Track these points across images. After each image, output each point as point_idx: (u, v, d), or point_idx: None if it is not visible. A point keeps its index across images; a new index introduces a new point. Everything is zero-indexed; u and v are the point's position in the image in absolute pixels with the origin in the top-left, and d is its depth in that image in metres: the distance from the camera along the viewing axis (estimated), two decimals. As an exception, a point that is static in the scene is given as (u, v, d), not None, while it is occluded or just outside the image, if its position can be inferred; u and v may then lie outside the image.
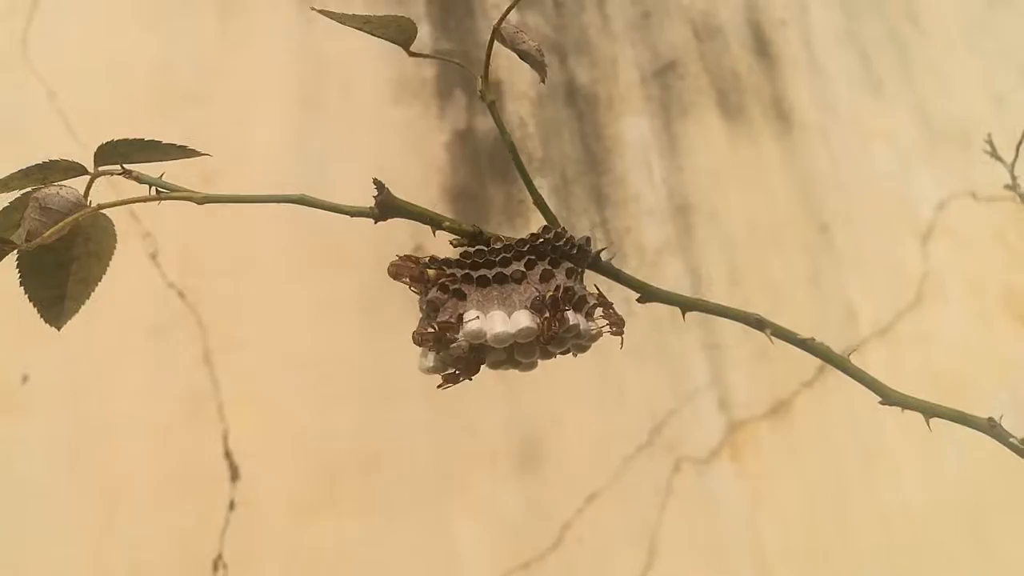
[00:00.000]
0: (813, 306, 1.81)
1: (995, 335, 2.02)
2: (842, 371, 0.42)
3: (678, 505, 1.53)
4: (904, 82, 2.20)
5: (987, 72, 2.33)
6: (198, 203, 0.39)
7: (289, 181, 1.49)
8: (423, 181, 1.58)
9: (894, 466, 1.74)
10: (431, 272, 0.38)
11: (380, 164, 1.56)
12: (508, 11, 0.41)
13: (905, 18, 2.28)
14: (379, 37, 0.42)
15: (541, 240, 0.38)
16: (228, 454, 1.29)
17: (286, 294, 1.43)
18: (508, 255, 0.38)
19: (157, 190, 0.40)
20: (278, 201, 0.40)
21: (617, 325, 0.37)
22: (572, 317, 0.37)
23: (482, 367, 0.41)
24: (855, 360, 0.51)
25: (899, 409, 1.84)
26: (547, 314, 0.36)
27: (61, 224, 0.35)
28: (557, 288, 0.38)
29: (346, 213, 0.40)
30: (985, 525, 1.70)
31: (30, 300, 0.45)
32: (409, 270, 0.39)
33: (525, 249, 0.38)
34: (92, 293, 0.46)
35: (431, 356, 0.39)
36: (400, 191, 1.57)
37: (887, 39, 2.23)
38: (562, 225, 0.39)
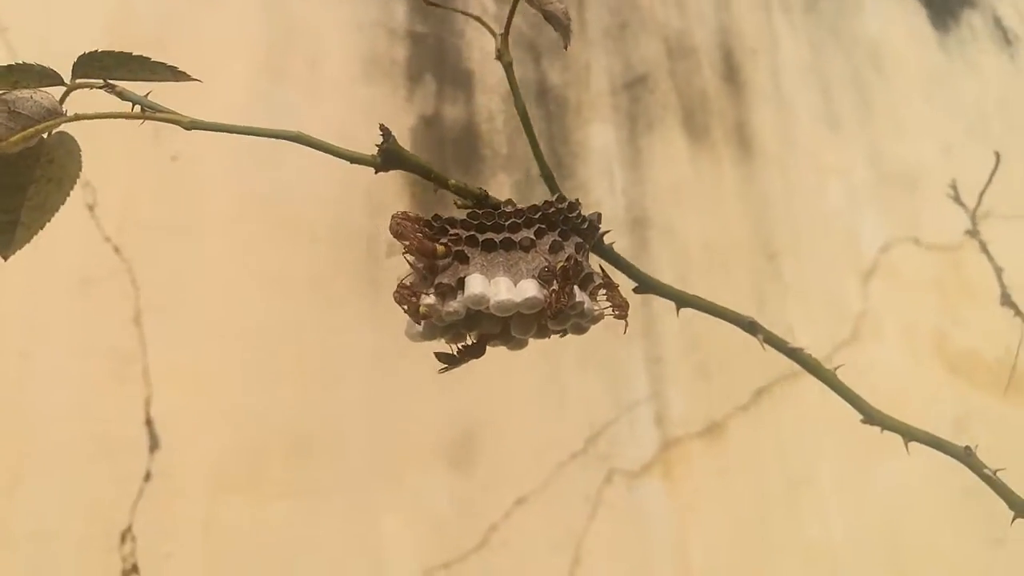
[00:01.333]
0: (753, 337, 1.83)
1: (924, 379, 2.08)
2: (828, 385, 0.41)
3: (606, 516, 1.52)
4: (861, 124, 2.25)
5: (939, 123, 2.41)
6: (185, 127, 0.36)
7: (245, 146, 1.43)
8: (383, 163, 1.54)
9: (819, 496, 1.77)
10: (431, 232, 0.36)
11: (343, 136, 1.50)
12: None
13: (869, 62, 2.34)
14: None
15: (553, 209, 0.36)
16: (149, 422, 1.22)
17: (230, 262, 1.37)
18: (518, 220, 0.35)
19: (143, 109, 0.36)
20: (274, 136, 0.37)
21: (621, 308, 0.35)
22: (578, 294, 0.35)
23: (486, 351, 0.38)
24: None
25: (826, 442, 1.88)
26: (555, 286, 0.34)
27: (31, 130, 0.32)
28: (568, 259, 0.35)
29: (345, 158, 0.37)
30: (905, 559, 1.75)
31: (-36, 223, 0.41)
32: (411, 228, 0.36)
33: (536, 216, 0.36)
34: (47, 223, 0.42)
35: (421, 322, 0.36)
36: (361, 169, 1.52)
37: (850, 80, 2.28)
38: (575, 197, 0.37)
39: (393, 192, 1.53)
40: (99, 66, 0.37)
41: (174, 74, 0.38)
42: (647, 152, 1.84)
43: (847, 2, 2.36)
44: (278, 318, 1.38)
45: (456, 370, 1.48)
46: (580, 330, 0.37)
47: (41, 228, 0.42)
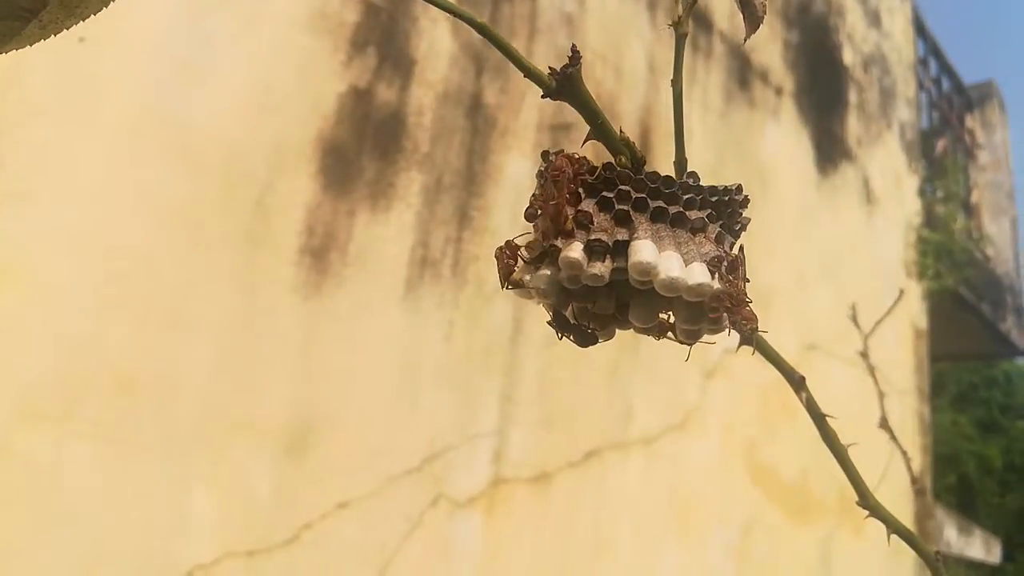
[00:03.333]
0: (602, 395, 1.88)
1: (728, 480, 2.22)
2: (837, 459, 0.41)
3: (421, 539, 1.48)
4: (737, 233, 2.40)
5: (799, 253, 2.62)
6: None
7: (167, 55, 1.30)
8: (303, 119, 1.45)
9: (618, 564, 1.82)
10: (594, 181, 0.31)
11: (268, 80, 1.41)
12: None
13: (758, 179, 2.51)
14: None
15: (729, 198, 0.33)
16: (-36, 316, 1.05)
17: (108, 169, 1.23)
18: (696, 198, 0.32)
19: None
20: (458, 15, 0.32)
21: (752, 323, 0.32)
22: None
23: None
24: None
25: (637, 515, 1.94)
26: (733, 278, 0.31)
27: None
28: (742, 249, 0.32)
29: (523, 70, 0.32)
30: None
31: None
32: (568, 174, 0.32)
33: (713, 200, 0.32)
34: (22, 47, 0.34)
35: (543, 276, 0.31)
36: (277, 117, 1.43)
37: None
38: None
39: (298, 148, 1.44)
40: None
41: None
42: (553, 196, 1.86)
43: (755, 120, 2.53)
44: (139, 245, 1.24)
45: (314, 353, 1.39)
46: (695, 337, 0.33)
47: (56, 33, 0.34)
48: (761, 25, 0.36)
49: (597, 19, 2.05)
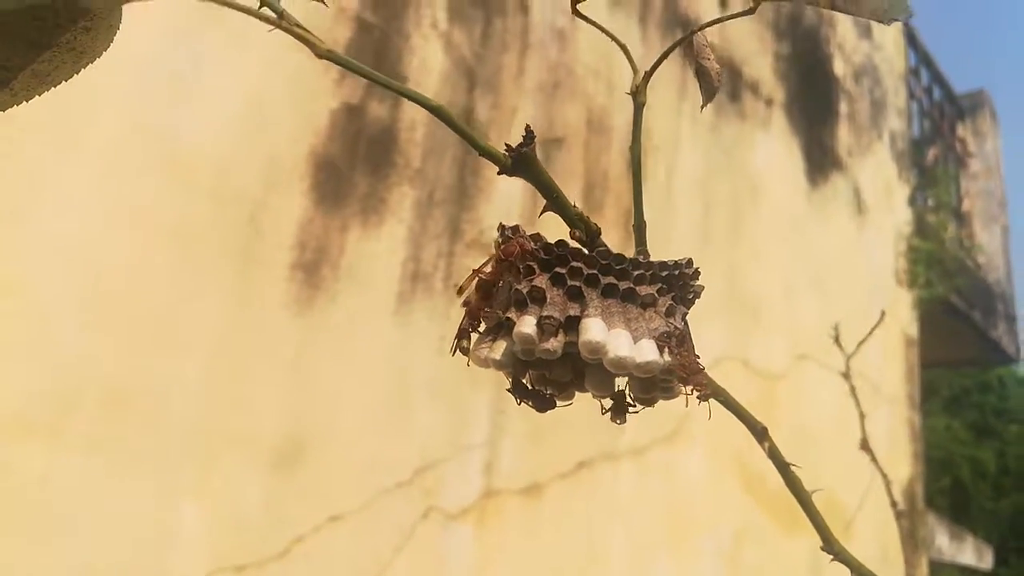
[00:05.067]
0: (592, 406, 1.89)
1: (718, 489, 2.23)
2: (801, 505, 0.42)
3: (414, 551, 1.49)
4: (728, 242, 2.42)
5: (788, 264, 2.64)
6: (318, 54, 0.32)
7: (159, 71, 1.31)
8: (294, 135, 1.47)
9: (612, 575, 1.83)
10: (548, 258, 0.33)
11: (260, 96, 1.43)
12: (712, 23, 0.38)
13: (748, 190, 2.53)
14: None
15: (679, 272, 0.34)
16: (-42, 335, 1.06)
17: (97, 185, 1.24)
18: (646, 273, 0.33)
19: (280, 17, 0.32)
20: (417, 101, 0.34)
21: (704, 389, 0.34)
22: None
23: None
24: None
25: (629, 527, 1.94)
26: (681, 353, 0.32)
27: None
28: (685, 326, 0.34)
29: (476, 148, 0.33)
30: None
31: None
32: (520, 244, 0.33)
33: (663, 275, 0.34)
34: (35, 97, 0.36)
35: (500, 348, 0.33)
36: (269, 134, 1.44)
37: (729, 200, 2.45)
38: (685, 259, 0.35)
39: (291, 165, 1.46)
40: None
41: None
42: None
43: (745, 132, 2.55)
44: (130, 261, 1.26)
45: (305, 367, 1.41)
46: (651, 404, 0.35)
47: (28, 100, 0.36)
48: (716, 94, 0.38)
49: (589, 34, 2.07)
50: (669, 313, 0.34)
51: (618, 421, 0.36)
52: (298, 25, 0.31)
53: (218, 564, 1.26)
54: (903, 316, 3.23)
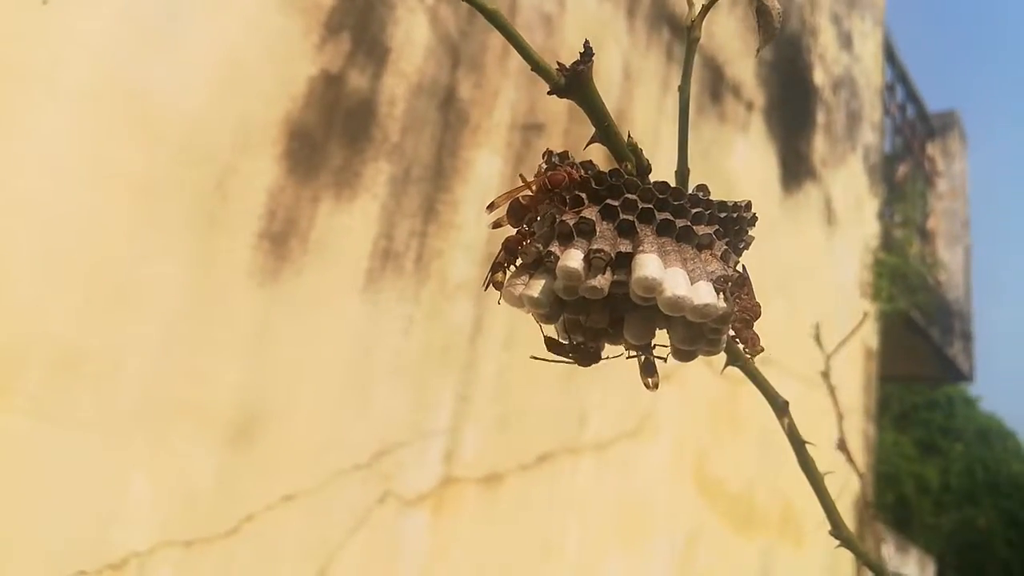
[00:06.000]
0: (557, 398, 1.87)
1: (675, 489, 2.23)
2: (813, 487, 0.40)
3: (367, 536, 1.45)
4: (700, 245, 2.41)
5: (755, 270, 2.64)
6: None
7: (132, 22, 1.25)
8: (271, 100, 1.41)
9: (564, 568, 1.81)
10: (600, 189, 0.30)
11: (236, 56, 1.37)
12: None
13: (724, 190, 2.52)
14: None
15: (736, 215, 0.31)
16: None
17: (66, 137, 1.18)
18: (704, 212, 0.30)
19: None
20: (471, 2, 0.30)
21: (754, 345, 0.31)
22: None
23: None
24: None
25: (585, 520, 1.92)
26: (739, 298, 0.29)
27: None
28: (744, 271, 0.31)
29: (531, 62, 0.30)
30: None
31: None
32: (564, 173, 0.30)
33: (722, 216, 0.31)
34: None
35: (538, 285, 0.29)
36: (243, 96, 1.39)
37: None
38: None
39: (263, 129, 1.41)
40: None
41: None
42: (521, 196, 1.85)
43: (724, 134, 2.54)
44: (89, 216, 1.20)
45: (269, 340, 1.36)
46: (690, 357, 0.32)
47: None
48: (777, 34, 0.35)
49: (576, 20, 2.04)
50: (725, 258, 0.31)
51: (651, 382, 0.33)
52: None
53: (165, 538, 1.21)
54: (865, 328, 3.26)
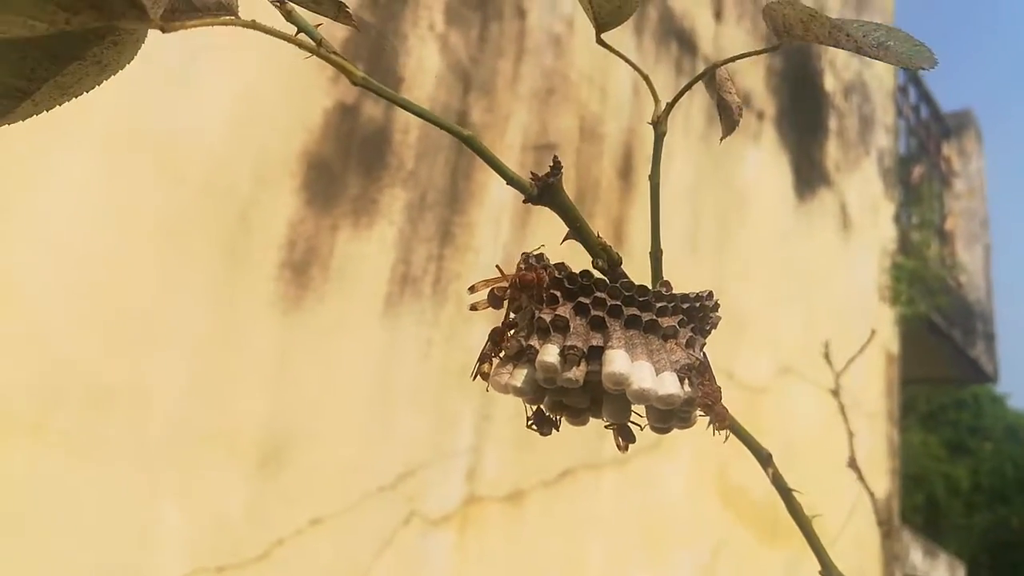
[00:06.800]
0: (577, 415, 1.89)
1: (698, 502, 2.24)
2: (804, 533, 0.42)
3: (393, 558, 1.48)
4: (715, 253, 2.43)
5: (773, 277, 2.65)
6: (354, 82, 0.31)
7: (152, 61, 1.29)
8: (287, 132, 1.45)
9: (589, 587, 1.83)
10: (572, 288, 0.33)
11: (252, 93, 1.41)
12: (736, 58, 0.38)
13: (737, 202, 2.54)
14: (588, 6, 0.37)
15: (698, 304, 0.34)
16: (-63, 325, 1.04)
17: (90, 177, 1.22)
18: (668, 305, 0.33)
19: (319, 45, 0.31)
20: (444, 128, 0.33)
21: (723, 420, 0.34)
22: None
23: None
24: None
25: (608, 536, 1.93)
26: (703, 385, 0.32)
27: (205, 21, 0.27)
28: (705, 358, 0.34)
29: (505, 177, 0.33)
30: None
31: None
32: (536, 274, 0.33)
33: (685, 307, 0.34)
34: (56, 107, 0.35)
35: (521, 375, 0.32)
36: (261, 130, 1.43)
37: (717, 211, 2.46)
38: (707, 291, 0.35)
39: (282, 162, 1.44)
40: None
41: (336, 8, 0.33)
42: (535, 216, 1.87)
43: (735, 144, 2.56)
44: (117, 255, 1.24)
45: (290, 368, 1.39)
46: (666, 432, 0.35)
47: (48, 110, 0.36)
48: (737, 126, 0.38)
49: (584, 40, 2.07)
50: (689, 344, 0.33)
51: (623, 445, 0.36)
52: (335, 52, 0.30)
53: (198, 565, 1.25)
54: (885, 333, 3.25)
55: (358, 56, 1.56)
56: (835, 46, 0.32)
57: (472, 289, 0.37)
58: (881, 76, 3.49)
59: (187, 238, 1.32)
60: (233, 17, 0.29)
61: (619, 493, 1.99)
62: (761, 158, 2.65)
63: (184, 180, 1.32)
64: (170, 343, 1.28)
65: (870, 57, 0.32)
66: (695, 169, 2.41)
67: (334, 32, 1.54)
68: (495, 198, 1.76)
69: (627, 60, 0.37)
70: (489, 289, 0.35)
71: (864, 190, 3.21)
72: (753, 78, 2.66)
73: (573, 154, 2.00)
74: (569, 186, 1.84)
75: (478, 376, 0.35)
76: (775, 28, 0.33)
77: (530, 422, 0.36)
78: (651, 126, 0.37)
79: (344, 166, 1.52)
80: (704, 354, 0.34)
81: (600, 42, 0.37)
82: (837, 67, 3.15)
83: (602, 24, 0.36)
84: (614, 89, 2.15)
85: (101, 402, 1.19)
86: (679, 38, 2.39)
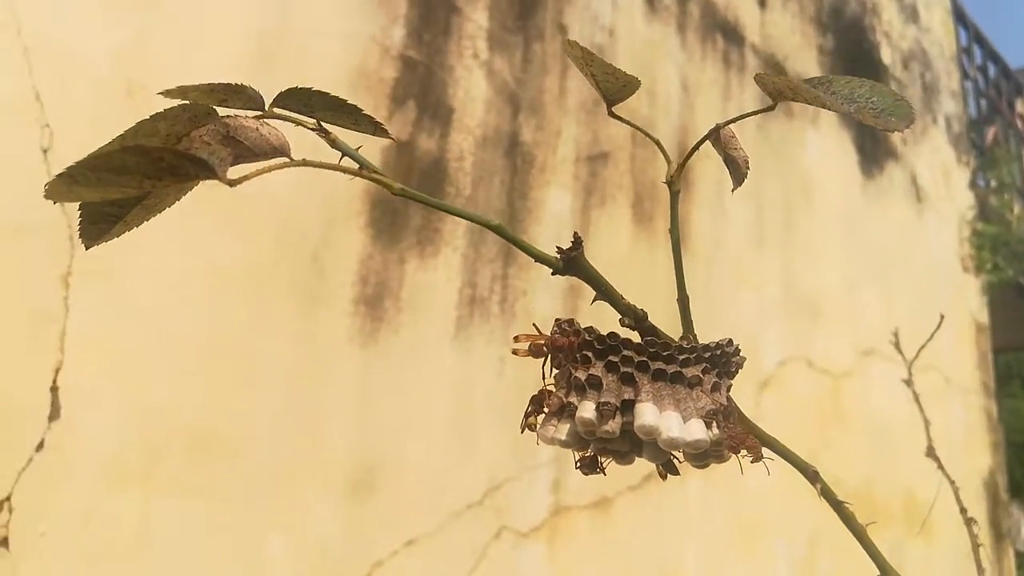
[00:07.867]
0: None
1: (790, 491, 2.22)
2: (857, 538, 0.44)
3: (488, 571, 1.53)
4: (782, 245, 2.41)
5: (847, 260, 2.60)
6: (393, 192, 0.36)
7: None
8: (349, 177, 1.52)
9: (683, 587, 1.84)
10: (601, 348, 0.37)
11: (316, 140, 1.49)
12: (738, 118, 0.41)
13: (800, 189, 2.51)
14: (594, 80, 0.41)
15: (721, 352, 0.38)
16: (55, 389, 1.14)
17: (173, 240, 1.31)
18: (691, 356, 0.37)
19: (360, 166, 0.36)
20: (476, 222, 0.38)
21: (755, 452, 0.37)
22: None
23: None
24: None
25: (699, 536, 1.94)
26: (729, 429, 0.36)
27: (263, 167, 0.31)
28: (729, 402, 0.37)
29: (532, 255, 0.37)
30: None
31: (79, 209, 0.39)
32: (567, 340, 0.37)
33: (707, 356, 0.37)
34: (143, 223, 0.41)
35: (564, 429, 0.37)
36: (325, 175, 1.49)
37: (781, 202, 2.44)
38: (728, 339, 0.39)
39: (347, 203, 1.52)
40: (303, 103, 0.37)
41: (374, 127, 0.38)
42: (596, 224, 1.90)
43: (793, 130, 2.53)
44: (207, 309, 1.33)
45: (371, 397, 1.46)
46: (704, 467, 0.38)
47: (137, 226, 0.41)
48: (745, 178, 0.41)
49: (627, 47, 2.09)
50: (715, 389, 0.37)
51: (666, 475, 0.40)
52: (375, 171, 0.35)
53: (303, 592, 1.32)
54: (972, 303, 3.15)
55: (408, 93, 1.62)
56: (823, 107, 0.35)
57: (516, 339, 0.41)
58: (941, 41, 3.38)
59: (266, 284, 1.40)
60: (287, 160, 0.34)
61: (706, 491, 2.00)
62: (821, 141, 2.61)
63: (258, 230, 1.40)
64: (261, 384, 1.36)
65: (842, 113, 0.34)
66: (753, 160, 2.38)
67: (383, 73, 1.60)
68: (553, 211, 1.80)
69: (638, 128, 0.41)
70: (530, 343, 0.39)
71: (934, 160, 3.12)
72: (805, 61, 2.63)
73: (627, 160, 2.02)
74: (627, 191, 1.88)
75: (526, 429, 0.39)
76: (768, 92, 0.36)
77: (578, 465, 0.40)
78: (665, 185, 0.41)
79: (406, 200, 1.58)
80: (729, 397, 0.38)
81: (612, 114, 0.41)
82: (893, 38, 3.07)
83: (611, 100, 0.40)
84: (663, 89, 2.16)
85: (203, 448, 1.28)
86: (724, 31, 2.39)
